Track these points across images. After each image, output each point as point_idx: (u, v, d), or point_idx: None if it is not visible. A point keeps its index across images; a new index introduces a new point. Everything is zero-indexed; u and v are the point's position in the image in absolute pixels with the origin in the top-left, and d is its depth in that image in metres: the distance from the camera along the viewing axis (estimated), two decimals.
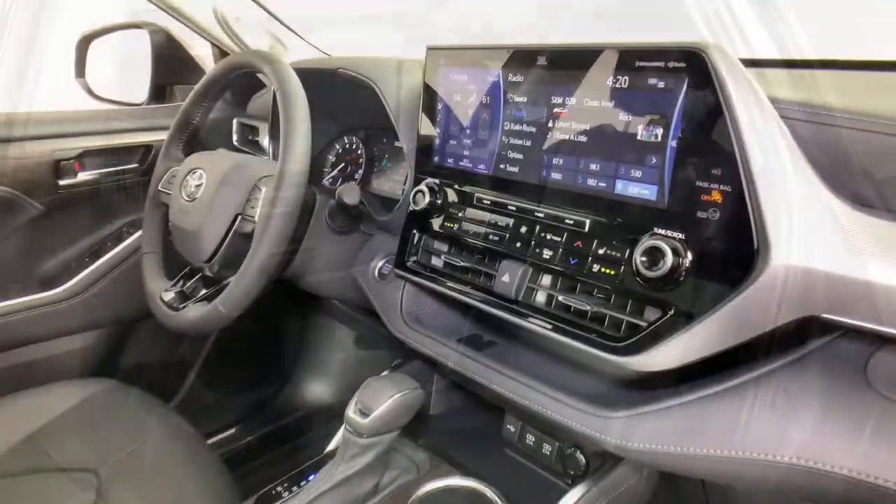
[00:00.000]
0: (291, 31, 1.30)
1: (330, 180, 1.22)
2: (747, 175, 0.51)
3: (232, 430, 1.48)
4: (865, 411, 0.49)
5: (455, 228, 0.77)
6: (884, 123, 0.49)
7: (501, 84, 0.72)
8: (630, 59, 0.59)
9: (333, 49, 1.37)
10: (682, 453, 0.56)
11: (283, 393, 1.55)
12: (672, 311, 0.56)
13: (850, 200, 0.51)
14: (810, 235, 0.50)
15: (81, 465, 0.90)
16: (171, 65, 1.30)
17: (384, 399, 0.65)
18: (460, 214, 0.77)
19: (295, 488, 0.69)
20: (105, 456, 0.90)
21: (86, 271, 1.18)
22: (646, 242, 0.57)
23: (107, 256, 1.20)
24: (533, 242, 0.69)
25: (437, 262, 0.79)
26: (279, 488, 0.71)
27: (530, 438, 0.80)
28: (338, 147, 1.22)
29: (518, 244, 0.70)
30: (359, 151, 1.18)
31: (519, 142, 0.70)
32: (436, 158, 0.81)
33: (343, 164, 1.20)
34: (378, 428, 0.65)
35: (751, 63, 0.86)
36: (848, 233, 0.49)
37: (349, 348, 1.51)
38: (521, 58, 0.69)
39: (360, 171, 1.17)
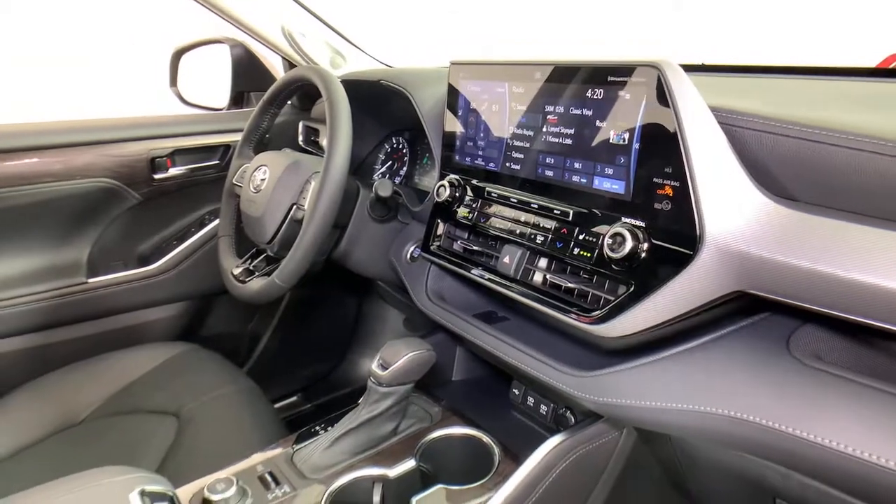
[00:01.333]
0: (351, 43, 1.46)
1: (379, 175, 1.37)
2: (690, 173, 0.61)
3: (293, 398, 1.67)
4: (782, 372, 0.59)
5: (470, 217, 0.90)
6: (803, 129, 0.58)
7: (507, 94, 0.84)
8: (604, 74, 0.69)
9: (392, 58, 1.52)
10: (636, 405, 0.67)
11: (339, 368, 1.73)
12: (633, 287, 0.67)
13: (775, 195, 0.59)
14: (739, 224, 0.59)
15: (166, 408, 1.09)
16: (247, 75, 1.50)
17: (400, 356, 0.79)
18: (475, 205, 0.90)
19: (329, 428, 0.84)
20: (185, 403, 1.09)
21: (174, 251, 1.40)
22: (613, 229, 0.68)
23: (191, 239, 1.41)
24: (529, 229, 0.80)
25: (455, 246, 0.92)
26: (317, 427, 0.86)
27: (531, 400, 0.92)
28: (386, 146, 1.37)
29: (518, 231, 0.82)
30: (404, 150, 1.32)
31: (520, 143, 0.82)
32: (457, 157, 0.94)
33: (390, 162, 1.35)
34: (395, 379, 0.79)
35: (702, 68, 0.95)
36: (772, 222, 0.58)
37: (398, 330, 1.66)
38: (523, 72, 0.80)
39: (405, 168, 1.32)
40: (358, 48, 1.47)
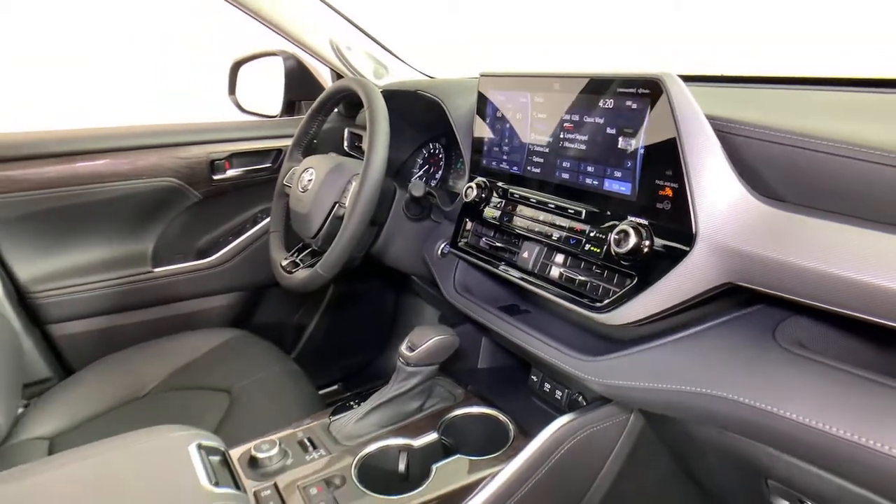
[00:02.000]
0: (393, 54, 1.56)
1: (416, 178, 1.46)
2: (687, 176, 0.68)
3: (334, 386, 1.77)
4: (765, 357, 0.64)
5: (495, 217, 0.98)
6: (792, 137, 0.63)
7: (529, 104, 0.91)
8: (614, 85, 0.76)
9: (432, 68, 1.62)
10: (635, 386, 0.73)
11: (378, 359, 1.83)
12: (636, 280, 0.73)
13: (764, 196, 0.65)
14: (729, 222, 0.65)
15: (219, 386, 1.20)
16: (299, 84, 1.62)
17: (426, 339, 0.88)
18: (499, 206, 0.98)
19: (361, 403, 0.94)
20: (236, 382, 1.20)
21: (229, 246, 1.53)
22: (619, 227, 0.75)
23: (245, 235, 1.54)
24: (546, 227, 0.88)
25: (481, 243, 1.00)
26: (351, 402, 0.95)
27: (547, 386, 0.99)
28: (424, 151, 1.46)
29: (536, 229, 0.89)
30: (440, 155, 1.41)
31: (540, 148, 0.90)
32: (484, 161, 1.02)
33: (427, 166, 1.44)
34: (420, 360, 0.87)
35: (703, 78, 1.01)
36: (760, 221, 0.64)
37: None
38: (543, 84, 0.88)
39: (440, 172, 1.41)
40: (399, 59, 1.57)
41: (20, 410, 1.21)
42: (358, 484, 0.79)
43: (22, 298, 1.35)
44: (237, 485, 0.71)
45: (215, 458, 0.74)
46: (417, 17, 1.45)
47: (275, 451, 0.81)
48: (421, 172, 1.45)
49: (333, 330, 1.71)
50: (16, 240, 1.34)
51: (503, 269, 0.93)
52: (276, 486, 0.78)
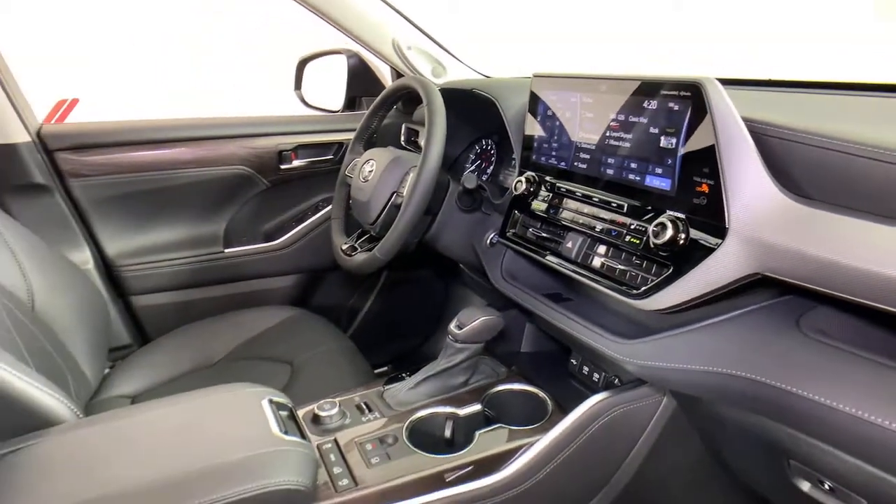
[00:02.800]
0: (450, 54, 1.64)
1: (468, 172, 1.54)
2: (722, 174, 0.73)
3: (384, 368, 1.87)
4: (788, 343, 0.69)
5: (542, 209, 1.05)
6: (822, 139, 0.68)
7: (579, 103, 0.98)
8: (657, 87, 0.82)
9: (488, 67, 1.69)
10: (667, 367, 0.79)
11: (426, 344, 1.91)
12: (672, 269, 0.79)
13: (793, 193, 0.70)
14: (759, 217, 0.70)
15: (282, 358, 1.31)
16: (360, 82, 1.72)
17: (474, 319, 0.95)
18: (546, 198, 1.05)
19: (413, 375, 1.02)
20: (297, 355, 1.31)
21: (292, 231, 1.64)
22: (658, 219, 0.81)
23: (307, 221, 1.65)
24: (590, 220, 0.94)
25: (528, 234, 1.07)
26: (403, 374, 1.04)
27: (586, 369, 1.05)
28: (476, 147, 1.54)
29: (580, 221, 0.96)
30: (491, 151, 1.48)
31: (587, 145, 0.96)
32: (534, 156, 1.09)
33: (479, 161, 1.52)
34: (468, 337, 0.95)
35: (738, 82, 1.06)
36: (788, 216, 0.69)
37: None
38: (592, 85, 0.94)
39: (491, 167, 1.48)
40: (456, 58, 1.65)
41: (106, 371, 1.35)
42: (408, 443, 0.87)
43: (109, 271, 1.49)
44: (303, 436, 0.80)
45: (284, 413, 0.83)
46: (417, 16, 1.53)
47: (335, 410, 0.91)
48: (473, 167, 1.53)
49: (385, 313, 1.81)
50: (105, 218, 1.49)
51: (548, 258, 1.00)
52: (336, 441, 0.88)
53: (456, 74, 1.63)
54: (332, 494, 0.78)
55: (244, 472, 0.69)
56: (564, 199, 1.01)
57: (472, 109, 1.38)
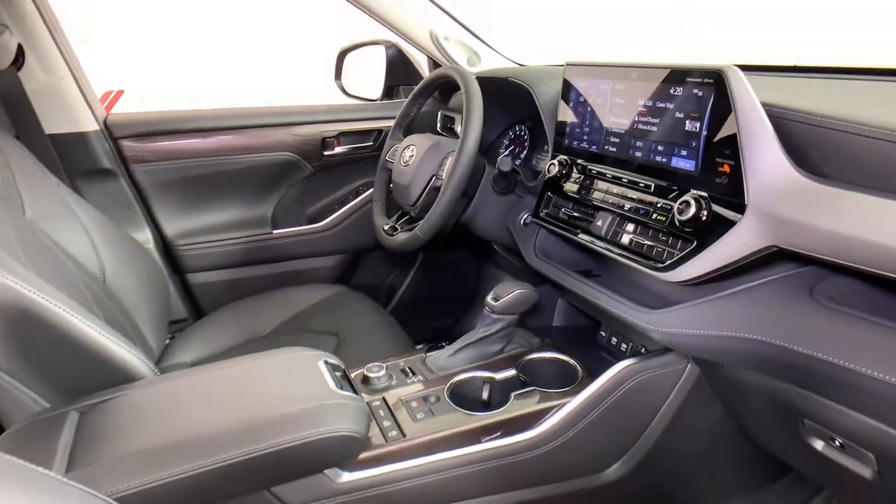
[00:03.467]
0: (485, 44, 1.71)
1: (503, 156, 1.61)
2: (742, 155, 0.79)
3: (419, 346, 1.96)
4: (800, 308, 0.75)
5: (573, 190, 1.11)
6: (836, 122, 0.73)
7: (610, 90, 1.04)
8: (683, 75, 0.88)
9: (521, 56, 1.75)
10: (689, 333, 0.86)
11: (459, 323, 2.00)
12: (695, 244, 0.85)
13: (808, 172, 0.76)
14: (776, 194, 0.76)
15: (328, 330, 1.41)
16: (399, 71, 1.79)
17: (509, 292, 1.03)
18: (578, 180, 1.11)
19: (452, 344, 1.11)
20: (342, 327, 1.40)
21: (335, 214, 1.74)
22: (683, 198, 0.87)
23: (349, 205, 1.74)
24: (619, 199, 1.01)
25: (561, 214, 1.14)
26: (443, 343, 1.13)
27: (614, 340, 1.12)
28: (511, 133, 1.60)
29: (610, 200, 1.02)
30: (525, 136, 1.55)
31: (617, 129, 1.02)
32: (566, 141, 1.15)
33: (513, 146, 1.59)
34: (504, 309, 1.03)
35: (757, 68, 1.11)
36: (801, 193, 0.74)
37: None
38: (622, 73, 1.00)
39: (525, 152, 1.55)
40: (491, 48, 1.71)
41: (166, 342, 1.46)
42: (450, 402, 0.96)
43: (167, 249, 1.61)
44: (356, 393, 0.89)
45: (338, 373, 0.92)
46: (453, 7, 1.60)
47: (382, 372, 1.00)
48: (507, 152, 1.59)
49: (422, 292, 1.90)
50: (163, 201, 1.60)
51: (580, 236, 1.07)
52: (384, 399, 0.97)
53: (490, 63, 1.70)
54: (383, 444, 0.87)
55: (307, 420, 0.78)
56: (595, 181, 1.07)
57: (506, 97, 1.45)
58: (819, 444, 0.85)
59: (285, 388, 0.85)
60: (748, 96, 0.79)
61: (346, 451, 0.82)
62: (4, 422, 0.86)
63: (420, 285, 1.89)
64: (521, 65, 1.72)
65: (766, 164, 0.77)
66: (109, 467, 0.72)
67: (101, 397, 0.86)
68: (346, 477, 0.83)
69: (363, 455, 0.84)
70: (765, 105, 0.79)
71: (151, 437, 0.77)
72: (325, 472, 0.82)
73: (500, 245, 1.51)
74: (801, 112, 0.77)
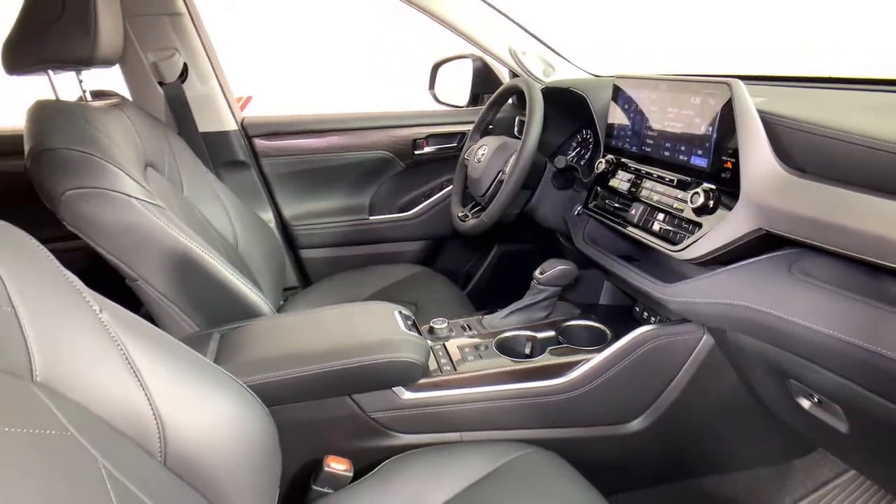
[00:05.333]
0: (559, 55, 1.91)
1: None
2: (740, 153, 0.96)
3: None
4: (779, 280, 0.91)
5: (616, 185, 1.30)
6: (815, 127, 0.89)
7: (646, 99, 1.22)
8: (700, 86, 1.05)
9: (594, 66, 1.94)
10: (696, 301, 1.03)
11: None
12: (702, 227, 1.03)
13: (792, 168, 0.91)
14: (764, 186, 0.92)
15: (410, 300, 1.67)
16: (483, 81, 2.04)
17: (553, 267, 1.24)
18: (620, 177, 1.30)
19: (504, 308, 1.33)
20: (421, 298, 1.66)
21: (422, 204, 2.01)
22: (694, 189, 1.04)
23: (433, 197, 2.01)
24: (650, 192, 1.18)
25: (606, 205, 1.33)
26: (497, 308, 1.35)
27: (646, 314, 1.29)
28: (578, 136, 1.79)
29: (644, 193, 1.20)
30: (589, 139, 1.73)
31: (651, 132, 1.20)
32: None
33: (579, 148, 1.78)
34: (548, 281, 1.24)
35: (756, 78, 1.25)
36: (785, 185, 0.90)
37: None
38: (654, 84, 1.18)
39: (589, 153, 1.73)
40: (566, 59, 1.91)
41: (281, 303, 1.79)
42: (496, 351, 1.18)
43: (285, 229, 1.95)
44: (421, 335, 1.14)
45: (408, 321, 1.17)
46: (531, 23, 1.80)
47: (445, 325, 1.24)
48: (573, 154, 1.79)
49: (494, 279, 2.12)
50: (283, 189, 1.94)
51: (618, 225, 1.26)
52: (444, 345, 1.21)
53: (564, 74, 1.90)
54: (438, 374, 1.11)
55: (381, 347, 1.04)
56: (633, 177, 1.25)
57: (571, 104, 1.65)
58: (806, 403, 0.99)
59: (368, 326, 1.11)
60: (747, 105, 0.96)
61: (408, 374, 1.06)
62: None
63: (494, 272, 2.12)
64: (597, 75, 1.91)
65: (757, 161, 0.94)
66: (242, 366, 1.01)
67: (235, 325, 1.17)
68: (408, 395, 1.08)
69: (422, 381, 1.09)
70: (759, 112, 0.95)
71: (270, 350, 1.06)
72: (393, 389, 1.07)
73: (560, 233, 1.70)
74: (788, 118, 0.93)
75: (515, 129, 1.95)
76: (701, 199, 1.01)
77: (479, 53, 1.98)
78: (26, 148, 1.11)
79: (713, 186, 1.02)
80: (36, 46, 1.16)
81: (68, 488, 0.51)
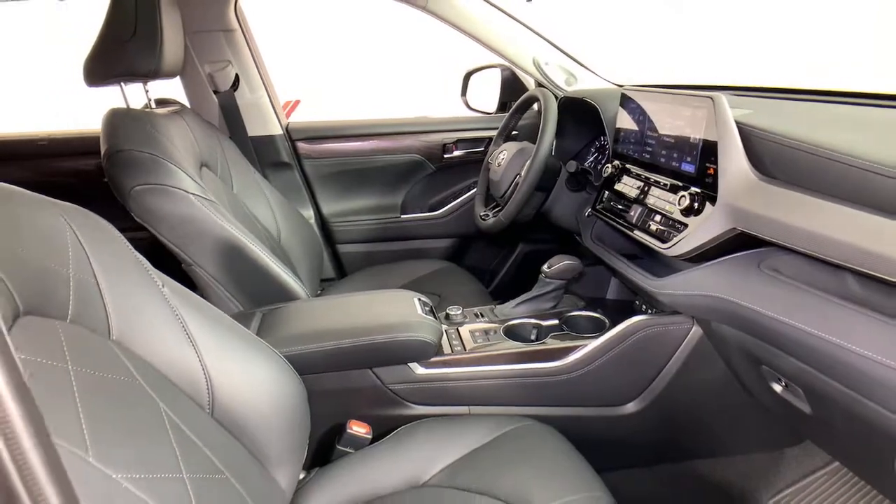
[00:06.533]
0: (582, 65, 2.03)
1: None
2: (719, 161, 1.07)
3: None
4: (749, 276, 1.01)
5: (620, 188, 1.42)
6: (783, 139, 0.99)
7: (647, 109, 1.33)
8: (690, 98, 1.16)
9: (615, 76, 2.04)
10: (678, 293, 1.14)
11: None
12: (686, 227, 1.14)
13: (763, 175, 1.01)
14: (738, 190, 1.03)
15: (435, 291, 1.82)
16: (511, 89, 2.17)
17: (559, 262, 1.36)
18: (624, 181, 1.41)
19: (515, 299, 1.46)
20: (445, 289, 1.80)
21: (450, 205, 2.16)
22: (682, 193, 1.15)
23: (461, 198, 2.15)
24: (646, 195, 1.30)
25: (611, 207, 1.45)
26: (508, 299, 1.48)
27: (644, 307, 1.40)
28: (596, 143, 1.91)
29: (642, 195, 1.32)
30: (606, 145, 1.85)
31: (650, 140, 1.32)
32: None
33: (596, 153, 1.89)
34: (554, 275, 1.36)
35: (747, 89, 1.34)
36: (757, 190, 1.00)
37: None
38: (654, 96, 1.30)
39: (605, 159, 1.84)
40: (587, 69, 2.03)
41: (318, 292, 1.96)
42: (504, 335, 1.32)
43: (324, 224, 2.13)
44: (436, 319, 1.28)
45: (426, 307, 1.32)
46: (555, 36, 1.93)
47: (459, 312, 1.38)
48: (591, 158, 1.90)
49: (517, 277, 2.25)
50: (323, 188, 2.12)
51: (621, 225, 1.37)
52: (457, 329, 1.35)
53: (585, 83, 2.01)
54: (450, 353, 1.25)
55: (399, 327, 1.19)
56: (635, 181, 1.37)
57: (589, 112, 1.76)
58: (778, 388, 1.09)
59: (389, 309, 1.27)
60: (727, 117, 1.07)
61: (422, 352, 1.21)
62: None
63: (517, 271, 2.25)
64: (620, 85, 2.01)
65: (733, 167, 1.04)
66: (279, 339, 1.17)
67: (275, 306, 1.34)
68: (422, 370, 1.22)
69: (435, 358, 1.23)
70: (738, 123, 1.06)
71: (304, 327, 1.22)
72: (409, 364, 1.22)
73: (574, 233, 1.82)
74: (762, 129, 1.03)
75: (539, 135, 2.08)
76: (687, 201, 1.12)
77: (507, 63, 2.11)
78: (102, 149, 1.31)
79: (699, 190, 1.13)
80: (111, 62, 1.36)
81: (136, 422, 0.67)
